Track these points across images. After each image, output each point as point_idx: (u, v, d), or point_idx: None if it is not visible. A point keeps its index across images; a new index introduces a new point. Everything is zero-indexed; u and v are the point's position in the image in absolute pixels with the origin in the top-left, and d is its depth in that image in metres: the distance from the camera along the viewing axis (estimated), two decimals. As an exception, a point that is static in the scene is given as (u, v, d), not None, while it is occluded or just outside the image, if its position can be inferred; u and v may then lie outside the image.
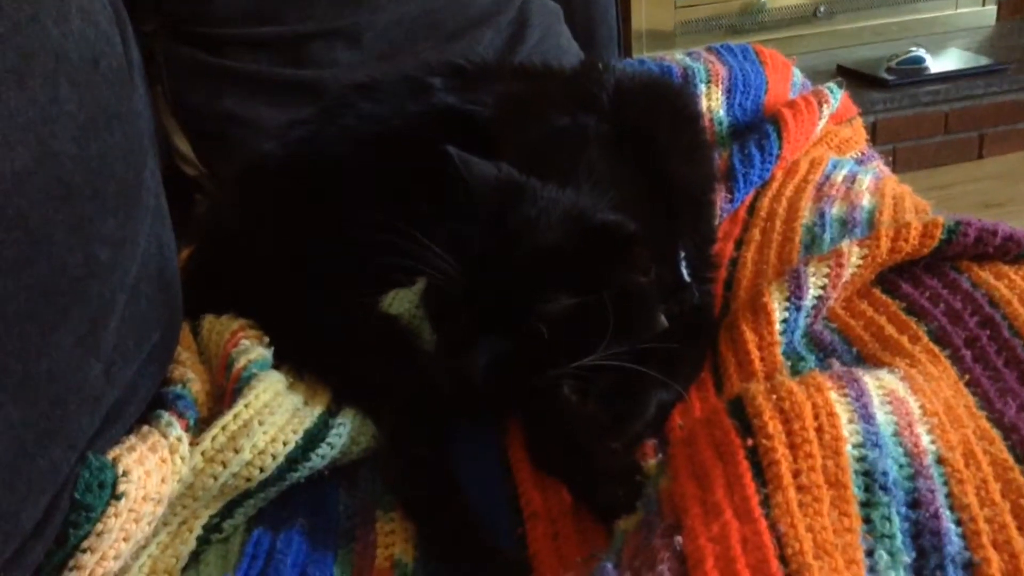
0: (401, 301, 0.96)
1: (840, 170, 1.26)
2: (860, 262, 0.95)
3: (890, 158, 2.58)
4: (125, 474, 0.70)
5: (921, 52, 2.60)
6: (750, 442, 0.65)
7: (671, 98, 1.12)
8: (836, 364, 0.83)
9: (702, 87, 1.40)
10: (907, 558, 0.58)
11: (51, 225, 0.64)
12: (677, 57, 1.50)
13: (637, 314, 0.85)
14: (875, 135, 2.53)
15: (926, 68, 2.57)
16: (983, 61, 2.62)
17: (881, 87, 2.53)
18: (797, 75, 1.54)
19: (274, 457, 0.79)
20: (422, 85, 1.15)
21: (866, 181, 1.21)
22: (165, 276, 0.82)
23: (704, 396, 0.87)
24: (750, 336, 0.89)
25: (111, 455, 0.72)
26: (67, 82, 0.65)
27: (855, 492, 0.62)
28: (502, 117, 1.06)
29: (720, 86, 1.40)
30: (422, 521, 0.79)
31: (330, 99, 1.21)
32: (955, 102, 2.57)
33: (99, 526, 0.69)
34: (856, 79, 2.59)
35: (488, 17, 1.61)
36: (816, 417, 0.66)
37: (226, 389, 0.85)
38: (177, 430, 0.77)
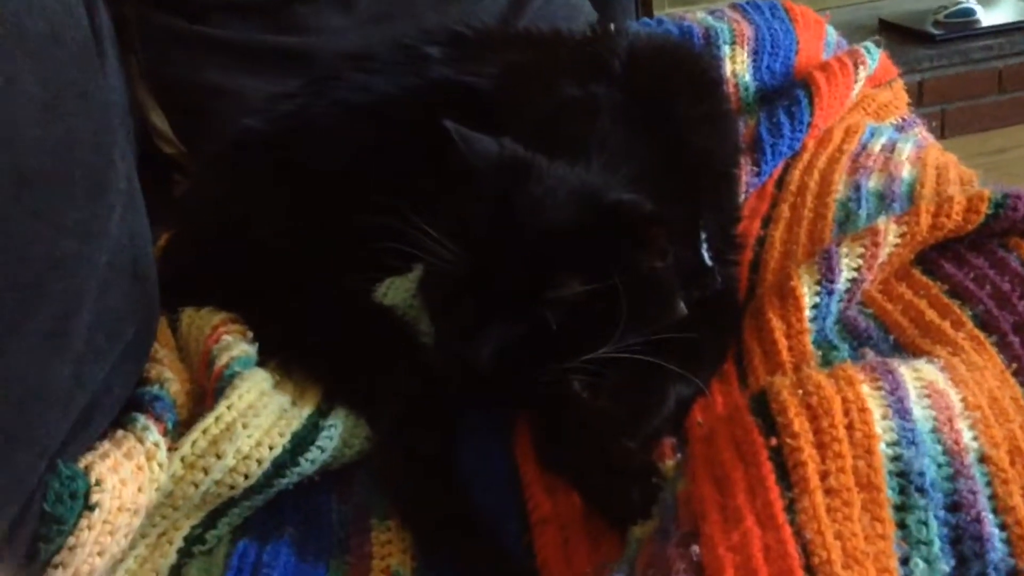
0: (397, 290, 0.97)
1: (878, 138, 1.25)
2: (898, 240, 0.95)
3: (938, 121, 2.56)
4: (98, 483, 0.71)
5: (972, 3, 2.57)
6: (774, 441, 0.66)
7: (690, 63, 1.11)
8: (870, 354, 0.83)
9: (726, 49, 1.39)
10: (945, 566, 0.59)
11: (10, 215, 0.64)
12: (699, 16, 1.50)
13: (654, 301, 0.85)
14: (921, 96, 2.51)
15: (977, 20, 2.54)
16: (1041, 12, 2.59)
17: (928, 42, 2.51)
18: (831, 33, 1.53)
19: (259, 462, 0.79)
20: (419, 55, 1.15)
21: (906, 150, 1.20)
22: (139, 267, 0.83)
23: (727, 390, 0.87)
24: (777, 324, 0.89)
25: (83, 463, 0.72)
26: (26, 58, 0.66)
27: (889, 495, 0.62)
28: (506, 88, 1.07)
29: (746, 47, 1.39)
30: (421, 526, 0.80)
31: (319, 71, 1.22)
32: (1009, 58, 2.54)
33: (71, 540, 0.69)
34: (900, 34, 2.57)
35: (491, -24, 1.61)
36: (846, 413, 0.66)
37: (207, 389, 0.86)
38: (154, 434, 0.78)
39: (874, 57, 1.40)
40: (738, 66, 1.38)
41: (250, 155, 1.10)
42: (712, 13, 1.51)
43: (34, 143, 0.66)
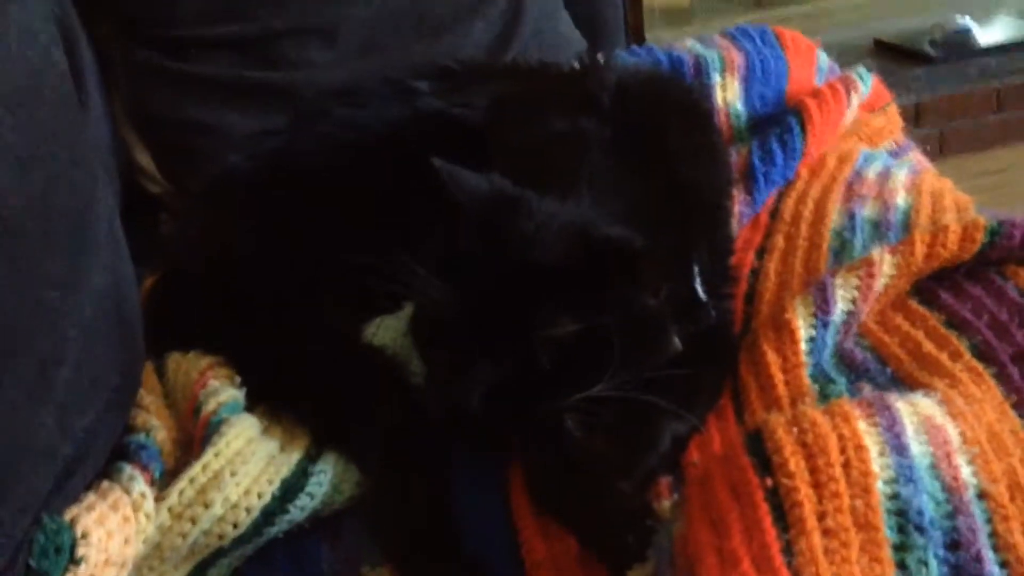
0: (386, 330, 0.97)
1: (872, 165, 1.27)
2: (893, 271, 0.95)
3: (937, 142, 2.58)
4: (84, 536, 0.71)
5: (968, 21, 2.60)
6: (769, 482, 0.66)
7: (680, 96, 1.13)
8: (868, 388, 0.84)
9: (716, 77, 1.40)
10: (946, 606, 0.59)
11: (-11, 269, 0.65)
12: (688, 44, 1.51)
13: (647, 338, 0.86)
14: (919, 117, 2.53)
15: (974, 39, 2.57)
16: (1039, 30, 2.62)
17: (924, 62, 2.54)
18: (823, 59, 1.55)
19: (248, 511, 0.79)
20: (406, 88, 1.16)
21: (901, 176, 1.21)
22: (123, 313, 0.84)
23: (723, 427, 0.87)
24: (773, 358, 0.90)
25: (68, 515, 0.73)
26: (4, 111, 0.67)
27: (887, 534, 0.63)
28: (495, 122, 1.08)
29: (736, 75, 1.41)
30: (414, 572, 0.80)
31: (304, 106, 1.23)
32: (1008, 76, 2.57)
33: (58, 595, 0.70)
34: (896, 54, 2.60)
35: (478, 7, 1.62)
36: (843, 451, 0.67)
37: (194, 436, 0.86)
38: (141, 484, 0.78)
39: (867, 82, 1.42)
40: (729, 94, 1.40)
41: (235, 194, 1.11)
42: (702, 41, 1.52)
43: (13, 195, 0.67)
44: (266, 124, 1.25)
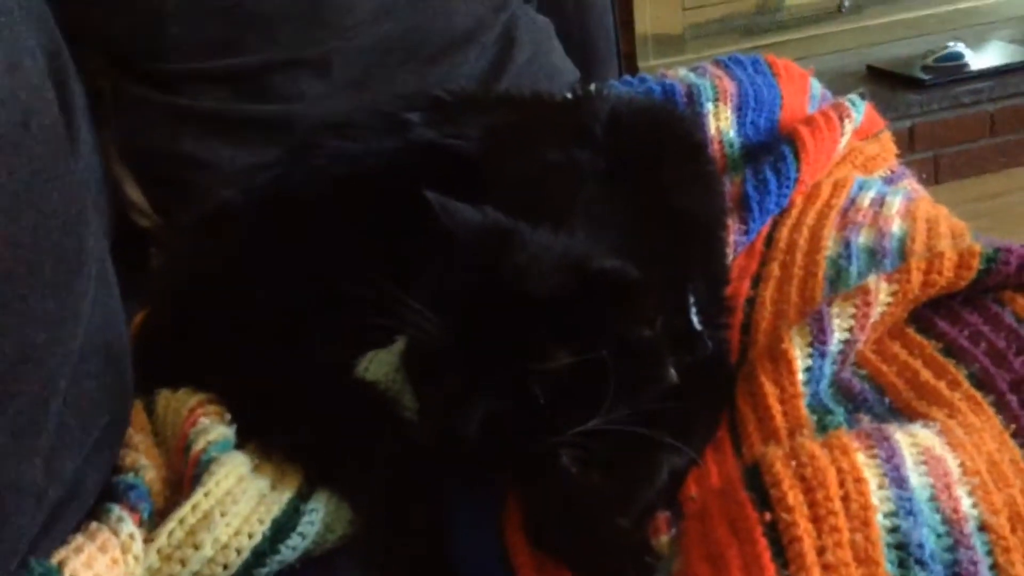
0: (379, 364, 0.97)
1: (867, 192, 1.27)
2: (890, 299, 0.95)
3: (932, 167, 2.59)
4: (72, 579, 0.71)
5: (960, 47, 2.62)
6: (768, 516, 0.66)
7: (673, 125, 1.13)
8: (865, 419, 0.83)
9: (709, 106, 1.41)
10: (948, 642, 0.59)
11: (-24, 311, 0.64)
12: (680, 74, 1.52)
13: (643, 370, 0.85)
14: (913, 142, 2.55)
15: (966, 64, 2.60)
16: (1030, 54, 2.64)
17: (917, 88, 2.56)
18: (815, 87, 1.56)
19: (239, 552, 0.79)
20: (399, 120, 1.16)
21: (896, 203, 1.21)
22: (113, 351, 0.83)
23: (721, 459, 0.87)
24: (770, 389, 0.89)
25: (56, 558, 0.72)
26: (-6, 151, 0.67)
27: (888, 568, 0.62)
28: (487, 153, 1.08)
29: (729, 103, 1.41)
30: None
31: (297, 139, 1.23)
32: (1001, 101, 2.59)
33: (45, 639, 0.69)
34: (889, 80, 2.62)
35: (470, 37, 1.63)
36: (842, 484, 0.67)
37: (184, 475, 0.86)
38: (129, 526, 0.77)
39: (859, 109, 1.42)
40: (722, 123, 1.40)
41: (227, 228, 1.11)
42: (694, 70, 1.53)
43: (2, 234, 0.66)
44: (259, 157, 1.25)
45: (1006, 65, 2.60)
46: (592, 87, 1.22)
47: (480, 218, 0.88)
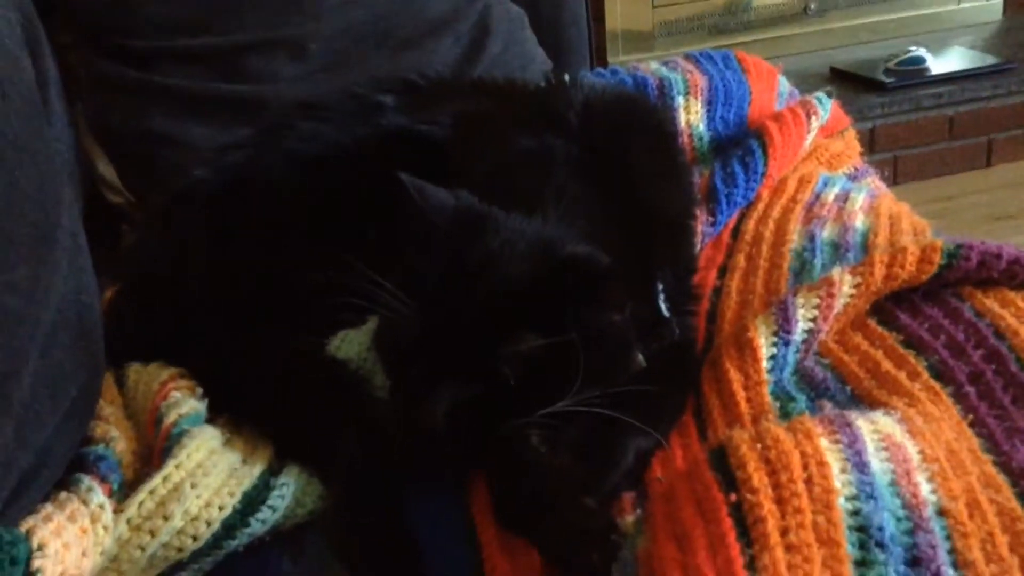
0: (350, 344, 0.96)
1: (831, 188, 1.28)
2: (853, 291, 0.96)
3: (891, 168, 2.62)
4: (40, 548, 0.69)
5: (922, 51, 2.66)
6: (733, 497, 0.67)
7: (645, 116, 1.14)
8: (828, 406, 0.84)
9: (680, 99, 1.42)
10: (906, 622, 0.60)
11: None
12: (652, 67, 1.52)
13: (611, 354, 0.86)
14: (873, 143, 2.57)
15: (927, 69, 2.63)
16: (989, 60, 2.68)
17: (879, 90, 2.59)
18: (783, 84, 1.57)
19: (208, 524, 0.78)
20: (371, 103, 1.16)
21: (860, 199, 1.23)
22: (85, 323, 0.82)
23: (687, 443, 0.88)
24: (735, 375, 0.90)
25: (24, 527, 0.71)
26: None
27: (849, 550, 0.63)
28: (460, 139, 1.08)
29: (700, 97, 1.42)
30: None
31: (269, 120, 1.22)
32: (960, 105, 2.63)
33: (12, 608, 0.68)
34: (851, 82, 2.64)
35: (446, 24, 1.62)
36: (805, 467, 0.68)
37: (155, 448, 0.85)
38: (99, 496, 0.76)
39: (826, 107, 1.44)
40: (692, 116, 1.41)
41: (197, 207, 1.10)
42: (666, 64, 1.54)
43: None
44: (231, 137, 1.24)
45: (966, 70, 2.64)
46: (566, 76, 1.22)
47: (454, 202, 0.88)
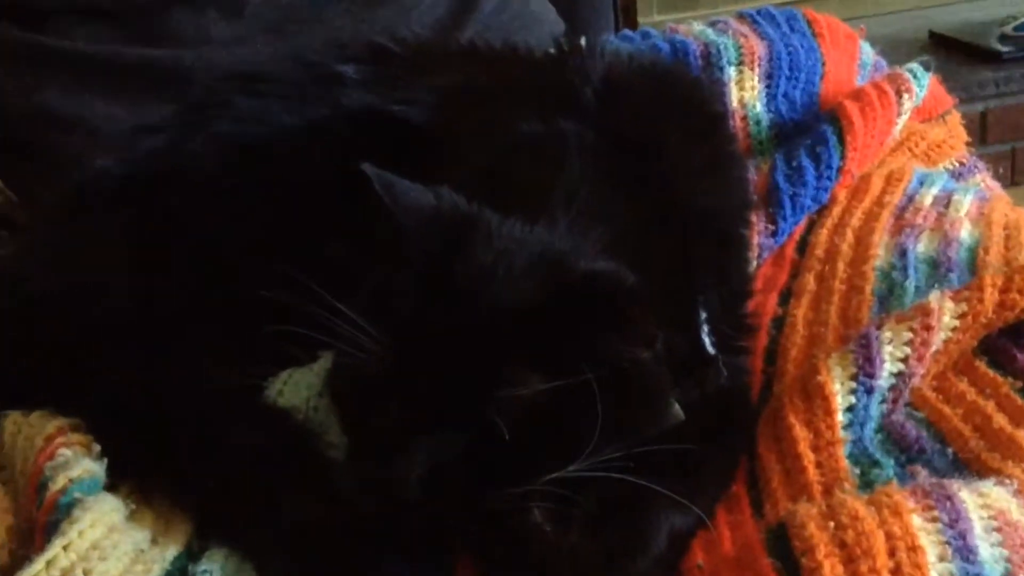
0: (296, 387, 0.97)
1: (929, 188, 1.28)
2: (957, 323, 0.96)
3: (1008, 164, 2.62)
4: None
5: (1049, 11, 2.66)
6: (797, 592, 0.66)
7: (685, 92, 1.14)
8: (923, 473, 0.84)
9: (731, 71, 1.42)
10: None
11: None
12: (695, 29, 1.53)
13: (638, 402, 0.86)
14: (985, 130, 2.58)
15: (1056, 35, 2.62)
16: None
17: (992, 62, 2.59)
18: (866, 52, 1.57)
19: (107, 628, 0.78)
20: (329, 75, 1.17)
21: (965, 204, 1.23)
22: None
23: (737, 520, 0.88)
24: (801, 432, 0.90)
25: None
26: None
27: (949, 663, 0.63)
28: (445, 122, 1.08)
29: (757, 69, 1.43)
30: None
31: (195, 96, 1.22)
32: (1098, 83, 2.62)
33: None
34: (956, 51, 2.65)
35: (425, -28, 1.64)
36: (892, 554, 0.68)
37: (37, 523, 0.85)
38: (-36, 588, 0.77)
39: (922, 83, 1.44)
40: (747, 94, 1.41)
41: (101, 208, 1.10)
42: (713, 25, 1.54)
43: None
44: (145, 117, 1.24)
45: (1106, 37, 2.64)
46: (583, 41, 1.22)
47: (433, 202, 0.89)
